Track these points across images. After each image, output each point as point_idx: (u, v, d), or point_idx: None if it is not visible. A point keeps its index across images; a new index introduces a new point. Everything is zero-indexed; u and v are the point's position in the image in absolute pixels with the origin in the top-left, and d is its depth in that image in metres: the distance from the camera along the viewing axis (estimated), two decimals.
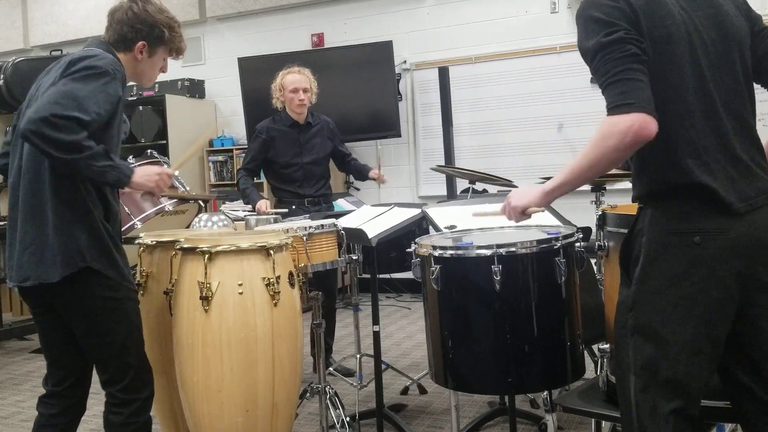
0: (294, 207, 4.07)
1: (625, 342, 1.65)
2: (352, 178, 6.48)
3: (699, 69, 1.59)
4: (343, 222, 2.94)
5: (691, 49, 1.59)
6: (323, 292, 2.97)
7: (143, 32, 2.22)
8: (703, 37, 1.61)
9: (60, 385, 2.23)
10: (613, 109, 1.52)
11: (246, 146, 6.77)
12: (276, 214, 3.66)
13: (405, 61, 6.48)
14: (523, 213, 1.83)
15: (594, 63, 1.57)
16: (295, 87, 4.04)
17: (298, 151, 4.12)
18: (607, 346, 2.07)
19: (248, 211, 5.08)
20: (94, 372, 2.25)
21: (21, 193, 2.11)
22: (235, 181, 4.25)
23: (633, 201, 1.72)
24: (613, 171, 2.74)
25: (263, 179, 4.35)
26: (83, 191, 2.07)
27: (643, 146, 1.58)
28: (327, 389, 2.86)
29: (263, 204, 3.99)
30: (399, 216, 2.87)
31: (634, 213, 1.72)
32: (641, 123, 1.49)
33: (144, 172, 2.16)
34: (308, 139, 4.15)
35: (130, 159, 2.89)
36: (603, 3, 1.57)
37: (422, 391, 3.72)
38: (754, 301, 1.59)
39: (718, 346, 1.60)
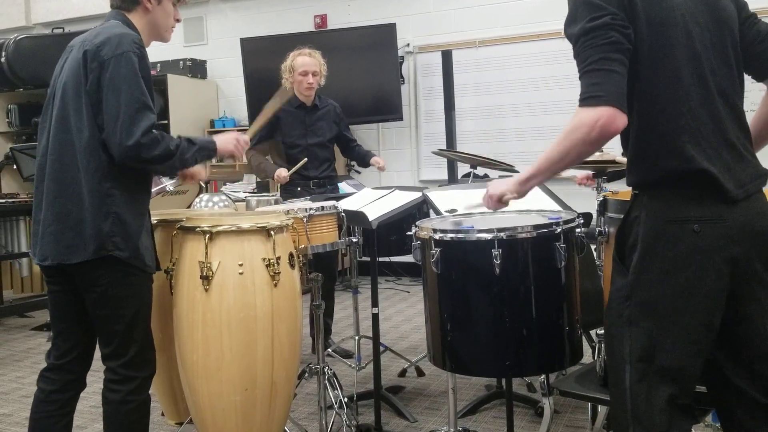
0: (299, 189, 4.09)
1: (620, 331, 1.64)
2: (353, 162, 6.47)
3: (695, 53, 1.58)
4: (344, 204, 2.95)
5: (686, 32, 1.58)
6: (323, 274, 2.98)
7: None
8: (698, 21, 1.60)
9: (63, 358, 2.24)
10: (583, 100, 1.52)
11: (248, 127, 6.75)
12: (296, 171, 3.71)
13: (408, 44, 6.45)
14: (500, 201, 1.83)
15: (576, 48, 1.56)
16: (305, 70, 4.06)
17: (303, 133, 4.13)
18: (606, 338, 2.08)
19: (249, 192, 5.08)
20: (96, 350, 2.26)
21: (46, 175, 2.15)
22: (247, 161, 4.26)
23: (628, 186, 1.72)
24: (615, 159, 2.74)
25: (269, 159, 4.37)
26: (109, 177, 2.10)
27: (644, 134, 1.59)
28: (325, 370, 2.87)
29: (282, 171, 4.02)
30: (400, 199, 2.87)
31: (632, 195, 1.71)
32: (608, 118, 1.48)
33: (224, 139, 2.37)
34: (314, 121, 4.17)
35: None
36: None
37: (420, 373, 3.75)
38: (743, 290, 1.60)
39: (713, 334, 1.60)
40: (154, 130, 2.06)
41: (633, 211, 1.64)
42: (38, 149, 2.22)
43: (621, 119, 1.50)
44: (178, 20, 2.36)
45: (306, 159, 4.01)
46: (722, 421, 1.72)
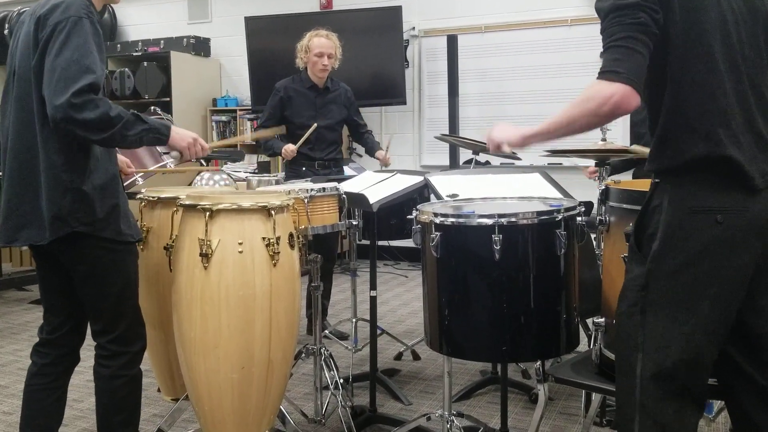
0: (304, 169, 4.09)
1: (634, 320, 1.61)
2: (355, 144, 6.46)
3: (729, 40, 1.57)
4: (345, 186, 2.94)
5: (722, 19, 1.57)
6: (323, 255, 2.98)
7: None
8: (733, 8, 1.59)
9: (55, 332, 2.24)
10: (602, 73, 1.52)
11: (250, 108, 6.74)
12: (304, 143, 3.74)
13: (414, 28, 6.42)
14: (498, 147, 1.83)
15: (604, 23, 1.56)
16: (321, 51, 4.06)
17: (313, 114, 4.13)
18: (602, 320, 2.08)
19: (251, 171, 5.07)
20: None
21: (9, 154, 2.11)
22: (253, 140, 4.26)
23: (648, 173, 1.69)
24: (619, 146, 2.73)
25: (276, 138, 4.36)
26: (71, 154, 2.05)
27: (672, 118, 1.58)
28: (322, 351, 2.88)
29: (290, 145, 4.01)
30: (401, 182, 2.87)
31: (637, 189, 1.71)
32: (622, 95, 1.49)
33: (181, 135, 2.22)
34: (325, 103, 4.17)
35: None
36: None
37: (416, 357, 3.76)
38: (762, 281, 1.59)
39: (728, 326, 1.59)
40: (92, 94, 1.94)
41: (654, 199, 1.62)
42: (2, 131, 2.18)
43: (635, 99, 1.50)
44: None
45: (315, 125, 3.99)
46: (732, 415, 1.72)
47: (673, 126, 1.59)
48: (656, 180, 1.64)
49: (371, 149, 4.32)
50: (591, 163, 3.09)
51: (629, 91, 1.49)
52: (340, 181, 3.15)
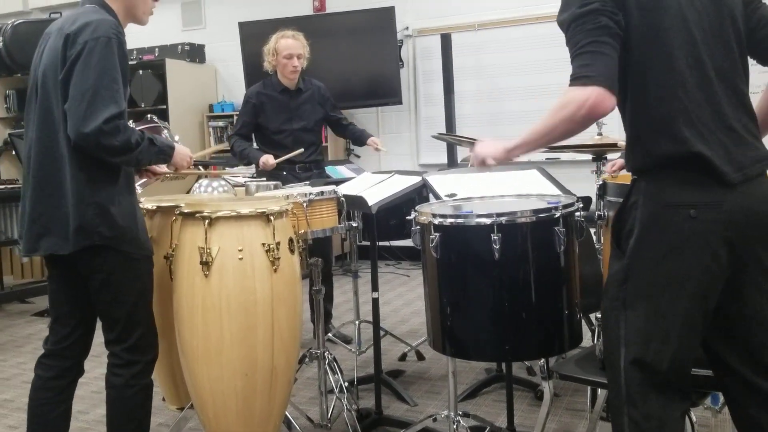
0: (285, 173, 4.04)
1: (616, 314, 1.65)
2: (353, 146, 6.46)
3: (691, 37, 1.58)
4: (344, 189, 2.94)
5: (682, 17, 1.58)
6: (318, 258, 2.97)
7: None
8: (695, 6, 1.60)
9: (60, 343, 2.24)
10: (573, 80, 1.53)
11: None
12: (285, 161, 3.67)
13: (407, 28, 6.42)
14: (484, 163, 1.84)
15: (568, 34, 1.58)
16: (290, 53, 4.00)
17: (288, 117, 4.07)
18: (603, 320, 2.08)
19: (249, 176, 5.06)
20: (99, 335, 2.27)
21: (32, 166, 2.14)
22: (230, 147, 4.20)
23: (628, 172, 1.72)
24: (614, 141, 2.73)
25: (254, 144, 4.33)
26: (94, 168, 2.08)
27: (639, 118, 1.60)
28: (326, 354, 2.88)
29: (269, 158, 3.96)
30: (399, 183, 2.87)
31: (631, 181, 1.71)
32: (596, 98, 1.50)
33: (182, 155, 2.31)
34: (299, 105, 4.10)
35: (130, 123, 2.87)
36: None
37: (420, 357, 3.76)
38: (743, 274, 1.60)
39: (707, 319, 1.61)
40: (120, 121, 2.01)
41: (631, 196, 1.65)
42: (25, 140, 2.20)
43: (610, 100, 1.51)
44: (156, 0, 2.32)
45: (302, 150, 3.95)
46: (729, 407, 1.73)
47: (640, 126, 1.62)
48: (634, 177, 1.67)
49: (360, 138, 4.25)
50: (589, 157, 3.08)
51: (603, 92, 1.50)
52: (336, 183, 3.15)
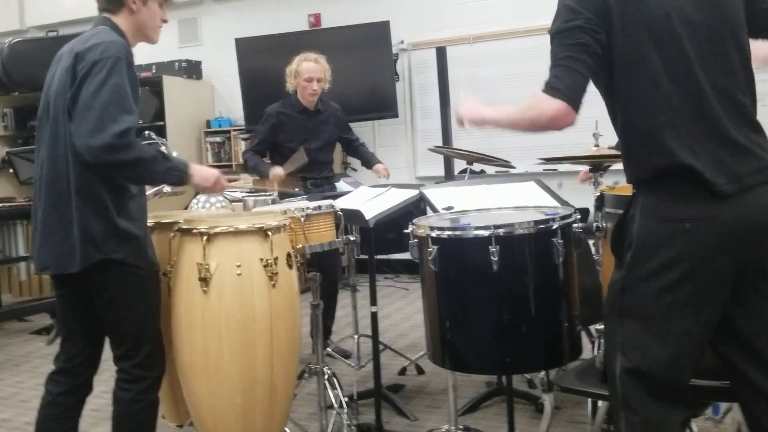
0: (297, 189, 4.08)
1: (613, 322, 1.69)
2: (350, 159, 6.47)
3: (682, 52, 1.59)
4: (341, 203, 2.94)
5: (672, 32, 1.59)
6: (324, 274, 2.97)
7: None
8: (689, 20, 1.61)
9: (71, 361, 2.26)
10: (545, 86, 1.62)
11: (244, 127, 6.75)
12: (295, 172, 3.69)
13: (402, 41, 6.44)
14: (461, 122, 1.92)
15: (551, 46, 1.66)
16: (310, 76, 4.08)
17: (305, 137, 4.14)
18: (604, 326, 2.08)
19: (247, 192, 5.05)
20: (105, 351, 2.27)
21: (43, 184, 2.15)
22: (242, 162, 4.27)
23: (627, 183, 1.75)
24: (611, 153, 2.73)
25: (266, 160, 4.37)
26: (104, 185, 2.10)
27: (627, 132, 1.65)
28: (325, 370, 2.87)
29: (278, 168, 4.00)
30: (397, 197, 2.87)
31: (631, 194, 1.73)
32: (558, 112, 1.59)
33: (205, 174, 2.28)
34: (316, 125, 4.19)
35: None
36: None
37: (420, 371, 3.75)
38: (748, 285, 1.60)
39: (707, 329, 1.61)
40: (130, 136, 2.02)
41: (630, 209, 1.68)
42: (36, 160, 2.22)
43: (570, 116, 1.61)
44: (164, 21, 2.35)
45: (307, 160, 3.99)
46: (745, 418, 1.73)
47: (630, 140, 1.66)
48: (634, 191, 1.70)
49: (368, 161, 4.33)
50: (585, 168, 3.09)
51: (565, 108, 1.59)
52: (334, 197, 3.15)
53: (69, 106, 2.06)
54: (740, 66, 1.65)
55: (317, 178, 4.18)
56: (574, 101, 1.59)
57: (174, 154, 2.82)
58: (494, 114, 1.83)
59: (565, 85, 1.59)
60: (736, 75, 1.64)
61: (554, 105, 1.59)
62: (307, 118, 4.17)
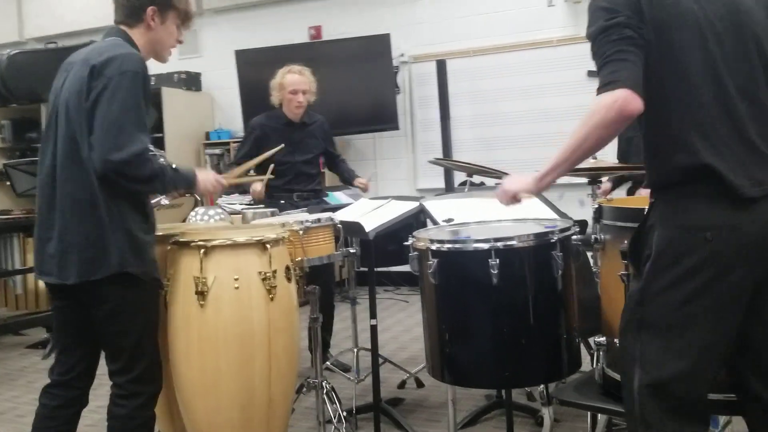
0: (283, 201, 4.05)
1: (633, 335, 1.65)
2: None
3: (710, 55, 1.60)
4: (341, 215, 2.93)
5: (701, 36, 1.60)
6: (319, 287, 2.96)
7: None
8: (715, 27, 1.61)
9: (67, 374, 2.24)
10: (600, 88, 1.56)
11: (242, 140, 6.75)
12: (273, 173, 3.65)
13: (403, 54, 6.46)
14: (514, 198, 1.85)
15: (594, 46, 1.61)
16: (295, 89, 4.05)
17: (291, 150, 4.08)
18: (603, 339, 2.07)
19: (246, 204, 5.04)
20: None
21: (58, 194, 2.13)
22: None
23: (646, 188, 1.73)
24: (610, 165, 2.73)
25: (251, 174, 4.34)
26: (120, 193, 2.10)
27: (655, 132, 1.62)
28: (324, 384, 2.85)
29: (257, 185, 3.96)
30: (397, 209, 2.86)
31: (631, 206, 1.72)
32: (624, 99, 1.52)
33: (206, 179, 2.33)
34: (302, 138, 4.15)
35: None
36: None
37: (419, 384, 3.72)
38: (761, 295, 1.58)
39: (727, 342, 1.59)
40: (148, 153, 2.05)
41: (649, 219, 1.65)
42: (41, 168, 2.21)
43: (637, 102, 1.53)
44: (180, 41, 2.35)
45: (282, 145, 3.86)
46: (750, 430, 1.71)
47: (655, 141, 1.65)
48: (652, 200, 1.67)
49: (348, 179, 4.30)
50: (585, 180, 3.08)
51: (629, 93, 1.52)
52: (334, 209, 3.14)
53: (88, 120, 2.06)
54: (762, 71, 1.65)
55: (304, 191, 4.14)
56: (637, 87, 1.53)
57: (173, 167, 2.83)
58: (549, 164, 1.71)
59: (621, 77, 1.53)
60: (758, 80, 1.64)
61: (617, 95, 1.52)
62: (292, 131, 4.12)
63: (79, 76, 2.11)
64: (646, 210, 1.68)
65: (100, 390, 2.31)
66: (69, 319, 2.23)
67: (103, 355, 2.25)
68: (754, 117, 1.61)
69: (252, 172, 3.73)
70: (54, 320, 2.28)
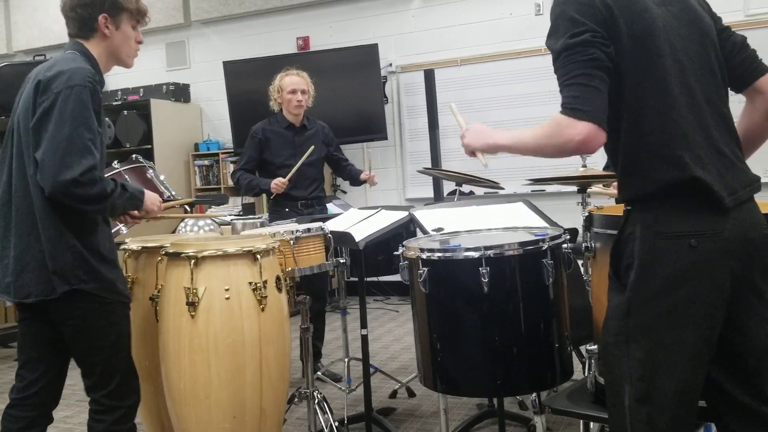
0: (287, 210, 4.07)
1: (619, 350, 1.60)
2: (339, 181, 6.48)
3: (679, 63, 1.59)
4: (331, 225, 2.93)
5: (669, 43, 1.59)
6: (312, 296, 2.95)
7: (97, 5, 2.17)
8: (679, 32, 1.61)
9: (26, 390, 2.19)
10: (567, 109, 1.52)
11: (232, 150, 6.75)
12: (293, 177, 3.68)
13: (391, 64, 6.48)
14: (472, 153, 1.82)
15: (558, 62, 1.57)
16: (294, 88, 4.08)
17: (292, 153, 4.12)
18: (594, 347, 2.07)
19: (235, 215, 5.03)
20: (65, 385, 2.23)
21: (13, 212, 2.11)
22: (234, 182, 4.25)
23: (619, 203, 1.70)
24: (600, 173, 2.75)
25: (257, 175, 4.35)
26: (70, 213, 2.07)
27: (634, 144, 1.58)
28: (315, 394, 2.84)
29: (279, 179, 3.99)
30: (386, 219, 2.87)
31: (620, 214, 1.70)
32: (587, 134, 1.50)
33: (151, 199, 2.29)
34: (303, 141, 4.17)
35: (115, 164, 2.86)
36: (577, 0, 1.57)
37: (411, 394, 3.72)
38: (741, 302, 1.58)
39: (712, 349, 1.58)
40: (96, 172, 2.00)
41: (627, 227, 1.61)
42: None
43: (601, 136, 1.51)
44: (139, 42, 2.30)
45: (313, 147, 3.98)
46: None
47: (635, 155, 1.60)
48: (627, 207, 1.64)
49: (355, 178, 4.32)
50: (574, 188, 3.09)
51: (595, 129, 1.50)
52: (324, 219, 3.14)
53: (33, 138, 2.03)
54: (721, 79, 1.66)
55: (307, 198, 4.16)
56: (601, 120, 1.51)
57: (161, 178, 2.81)
58: (508, 140, 1.71)
59: (590, 106, 1.50)
60: (719, 88, 1.65)
61: (581, 128, 1.50)
62: (293, 134, 4.16)
63: (28, 93, 2.08)
64: (622, 220, 1.64)
65: (76, 404, 2.28)
66: (34, 331, 2.19)
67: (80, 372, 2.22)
68: (718, 125, 1.61)
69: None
70: (18, 333, 2.23)
